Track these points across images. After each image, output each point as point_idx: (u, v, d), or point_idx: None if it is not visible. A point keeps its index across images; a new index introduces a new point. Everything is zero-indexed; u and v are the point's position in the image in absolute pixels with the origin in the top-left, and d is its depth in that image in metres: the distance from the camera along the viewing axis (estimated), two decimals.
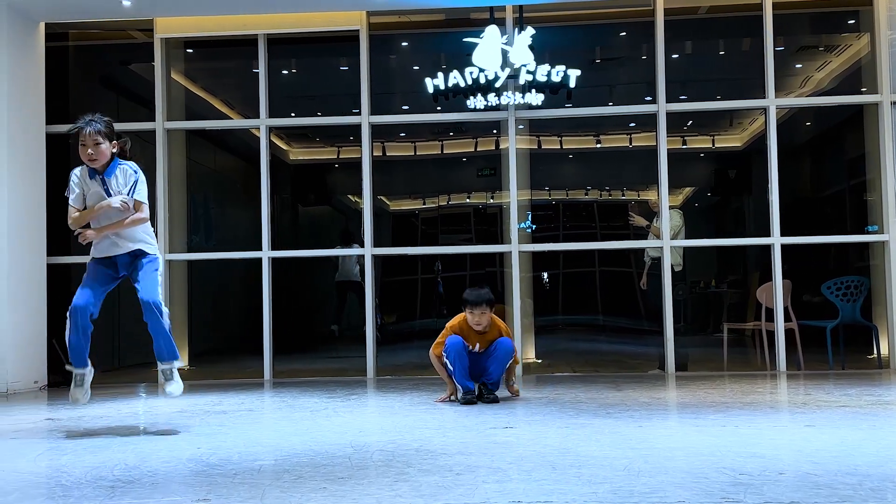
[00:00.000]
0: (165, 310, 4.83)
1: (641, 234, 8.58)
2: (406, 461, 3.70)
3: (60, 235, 8.31)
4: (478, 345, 5.81)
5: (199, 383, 7.92)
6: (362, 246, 8.32)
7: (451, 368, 5.73)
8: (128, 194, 4.77)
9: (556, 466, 3.51)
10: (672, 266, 8.07)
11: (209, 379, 8.25)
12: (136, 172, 4.86)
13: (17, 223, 7.62)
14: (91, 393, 4.92)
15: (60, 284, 8.00)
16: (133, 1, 7.66)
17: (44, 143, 8.10)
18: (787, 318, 7.98)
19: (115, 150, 4.85)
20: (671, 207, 8.24)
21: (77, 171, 4.86)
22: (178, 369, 4.88)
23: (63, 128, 8.37)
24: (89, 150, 4.74)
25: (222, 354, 10.20)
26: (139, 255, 4.83)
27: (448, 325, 5.88)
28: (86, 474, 3.58)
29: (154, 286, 4.78)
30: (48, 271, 8.03)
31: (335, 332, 10.75)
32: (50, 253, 8.03)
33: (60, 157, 8.50)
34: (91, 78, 9.55)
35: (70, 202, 4.82)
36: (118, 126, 8.80)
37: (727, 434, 4.33)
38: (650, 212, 8.53)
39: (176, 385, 4.82)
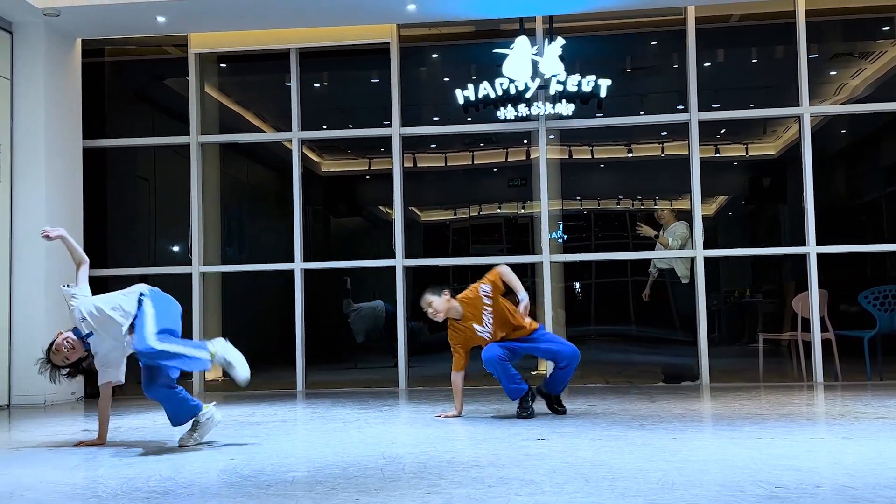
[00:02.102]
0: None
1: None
2: (438, 473, 3.70)
3: (97, 247, 8.45)
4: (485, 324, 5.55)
5: (233, 394, 7.97)
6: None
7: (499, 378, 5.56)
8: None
9: (589, 479, 3.48)
10: (680, 278, 8.03)
11: (242, 390, 8.30)
12: None
13: None
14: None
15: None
16: (168, 17, 7.77)
17: (80, 158, 8.23)
18: (823, 329, 7.87)
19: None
20: (678, 219, 8.22)
21: None
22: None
23: (100, 142, 8.56)
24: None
25: (255, 365, 10.22)
26: None
27: (454, 332, 5.59)
28: (121, 485, 3.62)
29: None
30: None
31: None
32: None
33: (97, 170, 8.65)
34: (126, 93, 9.70)
35: None
36: (153, 140, 8.99)
37: (763, 446, 4.27)
38: (657, 223, 8.45)
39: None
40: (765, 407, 5.96)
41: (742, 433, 4.74)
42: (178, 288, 8.50)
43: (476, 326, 5.55)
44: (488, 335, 5.55)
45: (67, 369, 4.75)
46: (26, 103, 7.66)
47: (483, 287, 5.59)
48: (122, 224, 9.43)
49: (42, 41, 7.71)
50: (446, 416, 5.71)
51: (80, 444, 4.85)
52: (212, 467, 4.04)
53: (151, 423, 5.95)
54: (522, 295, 5.53)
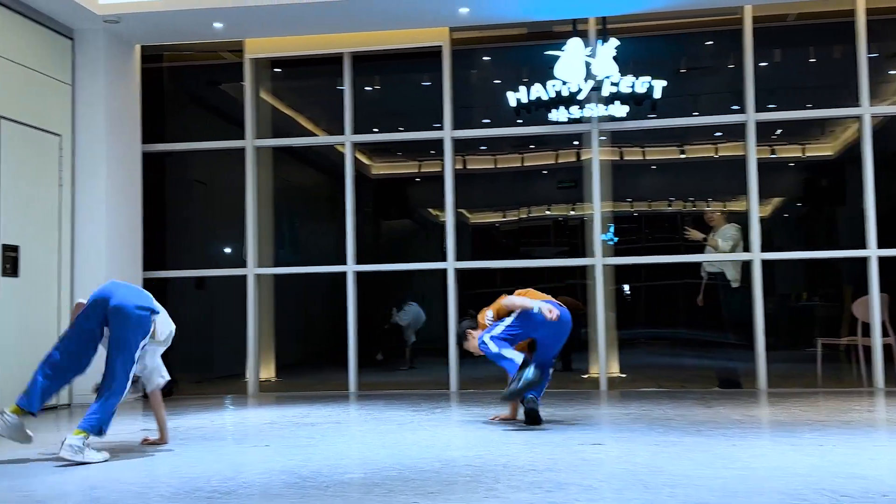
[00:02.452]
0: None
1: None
2: (494, 477, 3.70)
3: (156, 250, 8.62)
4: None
5: (287, 395, 8.07)
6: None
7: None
8: None
9: (648, 486, 3.45)
10: (730, 282, 7.89)
11: (296, 391, 8.40)
12: None
13: (115, 238, 7.92)
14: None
15: (155, 298, 8.25)
16: (224, 23, 7.89)
17: (140, 162, 8.39)
18: (884, 333, 7.70)
19: None
20: (728, 221, 8.07)
21: None
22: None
23: (159, 147, 8.72)
24: None
25: (308, 367, 10.38)
26: None
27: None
28: (184, 485, 3.69)
29: None
30: (144, 285, 8.28)
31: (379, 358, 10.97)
32: (146, 267, 8.30)
33: (156, 175, 8.82)
34: (184, 98, 9.87)
35: None
36: (210, 145, 9.11)
37: (825, 454, 4.20)
38: (707, 226, 8.29)
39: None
40: (825, 413, 5.85)
41: (803, 440, 4.65)
42: (234, 290, 8.65)
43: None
44: None
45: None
46: (87, 108, 7.83)
47: (487, 315, 5.67)
48: (179, 227, 9.60)
49: (102, 47, 7.88)
50: (501, 419, 5.71)
51: (145, 440, 4.95)
52: (271, 468, 4.09)
53: (210, 423, 6.04)
54: (535, 309, 5.30)
